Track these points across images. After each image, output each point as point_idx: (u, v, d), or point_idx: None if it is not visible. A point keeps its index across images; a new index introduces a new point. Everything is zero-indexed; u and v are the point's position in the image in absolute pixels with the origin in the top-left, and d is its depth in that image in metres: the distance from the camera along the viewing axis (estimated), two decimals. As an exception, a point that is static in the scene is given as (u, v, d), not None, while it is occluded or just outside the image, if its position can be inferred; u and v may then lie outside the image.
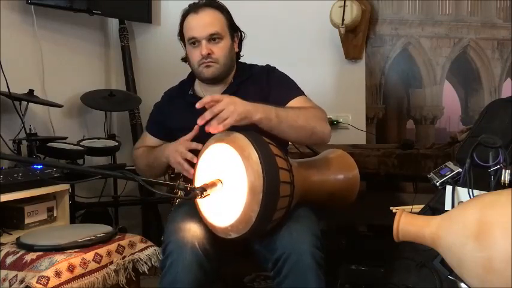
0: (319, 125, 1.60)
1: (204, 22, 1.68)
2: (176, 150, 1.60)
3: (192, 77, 1.84)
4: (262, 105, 1.50)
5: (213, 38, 1.68)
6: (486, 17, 2.45)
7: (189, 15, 1.71)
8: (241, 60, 1.85)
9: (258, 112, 1.47)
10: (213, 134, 1.51)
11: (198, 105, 1.48)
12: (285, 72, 1.79)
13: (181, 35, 1.76)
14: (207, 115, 1.45)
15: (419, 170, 2.08)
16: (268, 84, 1.72)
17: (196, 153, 1.56)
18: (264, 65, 1.82)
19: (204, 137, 1.55)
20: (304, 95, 1.72)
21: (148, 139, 1.86)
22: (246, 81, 1.76)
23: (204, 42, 1.67)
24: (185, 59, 1.81)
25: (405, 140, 2.36)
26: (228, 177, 1.42)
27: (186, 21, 1.71)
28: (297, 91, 1.71)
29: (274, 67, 1.80)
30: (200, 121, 1.47)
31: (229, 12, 1.75)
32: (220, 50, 1.70)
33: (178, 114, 1.78)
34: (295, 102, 1.66)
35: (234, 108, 1.44)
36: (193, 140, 1.60)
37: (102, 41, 3.22)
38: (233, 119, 1.43)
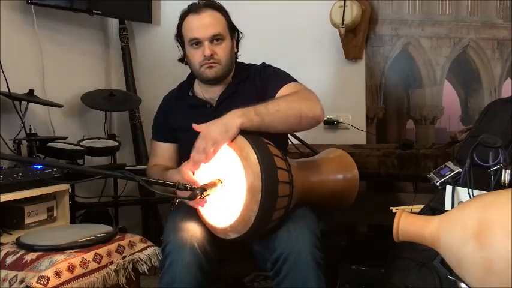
0: (305, 106, 1.53)
1: (206, 23, 1.68)
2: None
3: (191, 78, 1.83)
4: (240, 109, 1.47)
5: (215, 38, 1.68)
6: (486, 17, 2.45)
7: (189, 16, 1.70)
8: (242, 60, 1.85)
9: (235, 118, 1.44)
10: None
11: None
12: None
13: (179, 36, 1.75)
14: (196, 158, 1.45)
15: (419, 170, 2.07)
16: (262, 82, 1.71)
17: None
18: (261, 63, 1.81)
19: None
20: (295, 81, 1.68)
21: (159, 147, 1.85)
22: (244, 81, 1.75)
23: (206, 43, 1.67)
24: (182, 60, 1.81)
25: (405, 140, 2.36)
26: (227, 177, 1.42)
27: (186, 22, 1.71)
28: (285, 79, 1.68)
29: (269, 65, 1.79)
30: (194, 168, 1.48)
31: (227, 12, 1.75)
32: (222, 50, 1.70)
33: (181, 116, 1.78)
34: (284, 89, 1.63)
35: (209, 136, 1.43)
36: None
37: (102, 41, 3.22)
38: (217, 144, 1.42)
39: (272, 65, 1.81)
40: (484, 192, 1.31)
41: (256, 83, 1.73)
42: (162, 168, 1.77)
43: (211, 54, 1.67)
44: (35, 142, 2.27)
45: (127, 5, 3.06)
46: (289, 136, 1.95)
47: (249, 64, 1.83)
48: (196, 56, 1.70)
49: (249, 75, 1.77)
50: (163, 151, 1.84)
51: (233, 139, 1.43)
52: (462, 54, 2.52)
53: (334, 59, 2.73)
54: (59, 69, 2.83)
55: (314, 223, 1.54)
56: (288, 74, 1.73)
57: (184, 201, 1.50)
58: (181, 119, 1.76)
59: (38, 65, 2.69)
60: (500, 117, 1.52)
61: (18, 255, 1.63)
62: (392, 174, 2.16)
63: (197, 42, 1.69)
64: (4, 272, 1.57)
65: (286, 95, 1.59)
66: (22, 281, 1.52)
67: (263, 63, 1.80)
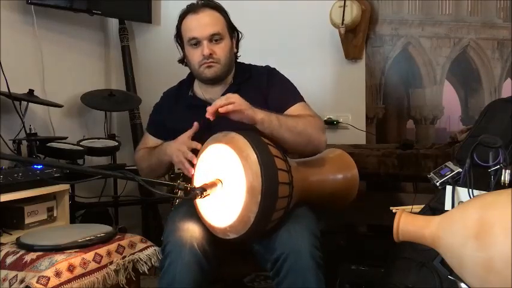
0: (315, 134, 1.61)
1: (205, 22, 1.68)
2: (178, 149, 1.59)
3: (191, 77, 1.83)
4: (262, 110, 1.52)
5: (214, 38, 1.68)
6: (486, 17, 2.45)
7: (187, 15, 1.71)
8: (242, 60, 1.85)
9: (260, 112, 1.50)
10: (213, 133, 1.51)
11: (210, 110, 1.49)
12: (285, 73, 1.79)
13: (178, 36, 1.76)
14: (218, 103, 1.47)
15: (419, 170, 2.07)
16: (268, 86, 1.72)
17: (196, 153, 1.56)
18: (264, 65, 1.81)
19: (204, 137, 1.55)
20: (304, 101, 1.72)
21: (150, 140, 1.86)
22: (246, 82, 1.76)
23: (205, 42, 1.67)
24: (182, 61, 1.81)
25: (405, 140, 2.36)
26: (227, 178, 1.42)
27: (185, 22, 1.71)
28: (297, 97, 1.72)
29: (274, 68, 1.80)
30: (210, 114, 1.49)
31: (227, 12, 1.75)
32: (221, 50, 1.70)
33: (179, 115, 1.78)
34: (295, 108, 1.67)
35: (238, 97, 1.48)
36: (193, 139, 1.60)
37: (102, 41, 3.22)
38: (241, 104, 1.46)
39: (272, 65, 1.81)
40: (484, 192, 1.31)
41: (261, 86, 1.73)
42: (149, 150, 1.80)
43: (210, 54, 1.67)
44: (35, 142, 2.27)
45: (127, 5, 3.06)
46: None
47: (250, 64, 1.83)
48: (196, 55, 1.70)
49: (250, 75, 1.77)
50: (153, 145, 1.83)
51: (234, 139, 1.43)
52: (462, 54, 2.52)
53: (334, 59, 2.73)
54: (59, 69, 2.82)
55: (314, 223, 1.55)
56: (296, 88, 1.76)
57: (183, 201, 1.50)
58: (181, 119, 1.75)
59: (38, 65, 2.69)
60: (500, 117, 1.52)
61: (18, 255, 1.63)
62: (392, 174, 2.16)
63: (196, 42, 1.69)
64: (4, 272, 1.57)
65: (303, 117, 1.62)
66: (22, 281, 1.51)
67: (267, 66, 1.81)
